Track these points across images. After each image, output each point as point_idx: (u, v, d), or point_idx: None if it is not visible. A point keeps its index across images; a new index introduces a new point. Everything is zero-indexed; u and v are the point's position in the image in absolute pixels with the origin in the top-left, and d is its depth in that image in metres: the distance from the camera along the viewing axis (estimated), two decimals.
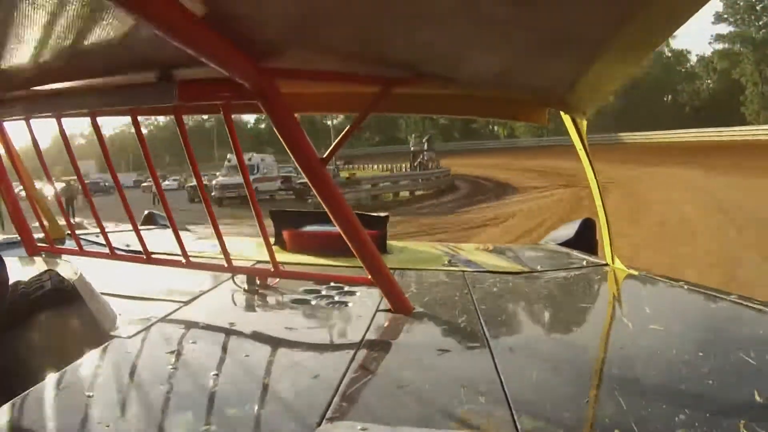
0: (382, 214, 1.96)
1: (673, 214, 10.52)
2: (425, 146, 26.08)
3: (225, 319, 0.95)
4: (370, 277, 1.03)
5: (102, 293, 0.96)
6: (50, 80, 1.11)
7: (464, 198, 19.05)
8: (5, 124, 1.28)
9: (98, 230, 1.40)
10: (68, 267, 0.95)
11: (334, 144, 1.15)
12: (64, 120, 1.19)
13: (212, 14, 0.78)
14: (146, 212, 2.44)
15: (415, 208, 16.57)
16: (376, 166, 33.32)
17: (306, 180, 1.00)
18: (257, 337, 0.89)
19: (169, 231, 1.25)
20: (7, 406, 0.59)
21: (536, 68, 1.11)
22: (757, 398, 0.63)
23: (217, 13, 0.79)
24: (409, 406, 0.62)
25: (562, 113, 1.34)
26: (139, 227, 1.30)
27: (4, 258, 0.77)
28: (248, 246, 1.75)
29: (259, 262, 1.38)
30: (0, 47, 0.92)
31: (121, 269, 1.28)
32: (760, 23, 37.24)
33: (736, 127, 31.24)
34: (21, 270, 0.92)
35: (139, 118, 1.15)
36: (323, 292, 1.15)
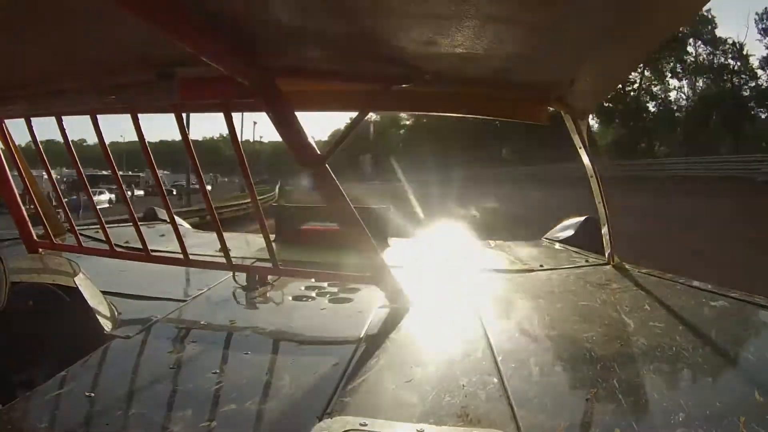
0: (384, 206, 1.96)
1: None
2: None
3: (226, 317, 0.95)
4: (370, 273, 1.04)
5: (102, 292, 0.96)
6: (51, 79, 1.11)
7: None
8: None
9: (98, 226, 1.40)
10: (68, 265, 0.95)
11: (334, 142, 1.15)
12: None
13: (213, 13, 0.78)
14: (147, 208, 2.44)
15: None
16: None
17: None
18: (258, 334, 0.89)
19: (169, 227, 1.25)
20: (10, 406, 0.60)
21: (536, 66, 1.10)
22: (757, 395, 0.64)
23: (218, 12, 0.79)
24: (409, 401, 0.63)
25: (562, 113, 1.34)
26: (140, 224, 1.30)
27: (2, 256, 0.77)
28: (249, 243, 1.75)
29: (259, 259, 1.39)
30: (2, 47, 0.92)
31: (122, 267, 1.28)
32: None
33: None
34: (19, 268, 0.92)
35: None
36: (324, 289, 1.15)
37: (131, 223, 1.25)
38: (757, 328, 0.97)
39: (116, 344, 0.80)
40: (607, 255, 1.48)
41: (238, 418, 0.58)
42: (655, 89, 29.58)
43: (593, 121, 32.62)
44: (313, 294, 1.12)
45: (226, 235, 1.20)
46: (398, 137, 59.19)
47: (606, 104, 30.73)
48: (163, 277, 1.22)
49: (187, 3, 0.73)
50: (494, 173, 29.69)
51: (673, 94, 28.62)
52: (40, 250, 1.33)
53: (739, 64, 24.23)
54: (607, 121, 31.93)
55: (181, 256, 1.18)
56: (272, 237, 1.51)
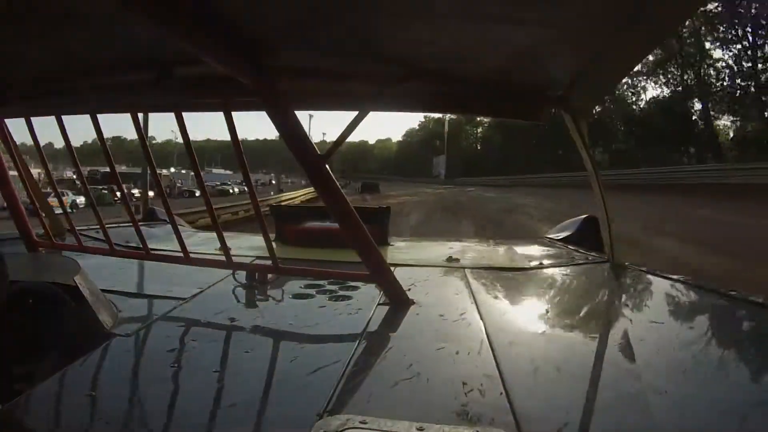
0: (384, 207, 1.97)
1: None
2: None
3: (226, 315, 0.95)
4: (369, 271, 1.04)
5: (102, 290, 0.96)
6: (51, 79, 1.11)
7: None
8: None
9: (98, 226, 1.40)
10: (68, 264, 0.95)
11: (334, 142, 1.15)
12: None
13: (213, 13, 0.78)
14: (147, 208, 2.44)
15: None
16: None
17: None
18: (258, 332, 0.89)
19: (169, 227, 1.25)
20: (9, 405, 0.60)
21: (536, 66, 1.11)
22: (757, 396, 0.64)
23: (218, 12, 0.79)
24: (409, 399, 0.63)
25: (563, 112, 1.34)
26: (140, 223, 1.31)
27: (2, 255, 0.77)
28: (248, 242, 1.76)
29: (259, 258, 1.39)
30: (2, 46, 0.92)
31: (122, 265, 1.28)
32: None
33: None
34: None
35: None
36: (324, 287, 1.16)
37: (131, 223, 1.26)
38: (758, 327, 0.98)
39: (116, 342, 0.80)
40: (607, 253, 1.48)
41: (238, 416, 0.59)
42: None
43: (714, 114, 26.32)
44: (313, 292, 1.12)
45: (226, 234, 1.20)
46: (475, 136, 55.76)
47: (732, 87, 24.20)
48: (164, 276, 1.22)
49: (187, 3, 0.73)
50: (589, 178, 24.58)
51: None
52: (40, 249, 1.33)
53: None
54: (734, 111, 25.21)
55: (181, 254, 1.18)
56: (272, 236, 1.52)
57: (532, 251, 1.77)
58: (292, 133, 0.99)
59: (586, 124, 1.39)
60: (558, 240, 1.99)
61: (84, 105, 1.15)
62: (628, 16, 0.83)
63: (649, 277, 1.31)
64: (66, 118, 1.18)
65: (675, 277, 1.26)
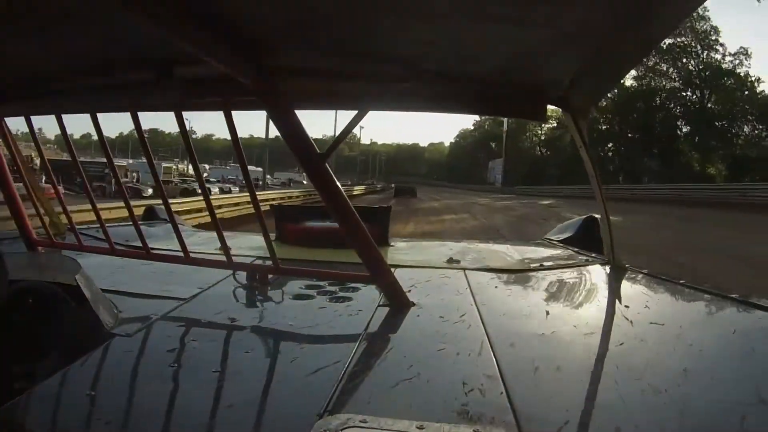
0: (384, 206, 1.97)
1: None
2: None
3: (226, 315, 0.95)
4: (370, 272, 1.04)
5: (102, 290, 0.96)
6: (52, 78, 1.11)
7: None
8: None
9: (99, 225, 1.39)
10: (68, 263, 0.95)
11: (333, 141, 1.16)
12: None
13: (213, 13, 0.78)
14: (146, 206, 2.44)
15: None
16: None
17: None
18: (258, 332, 0.89)
19: (169, 226, 1.25)
20: (9, 405, 0.60)
21: (536, 65, 1.11)
22: (757, 397, 0.64)
23: (218, 12, 0.79)
24: (409, 399, 0.63)
25: (563, 112, 1.34)
26: (140, 223, 1.31)
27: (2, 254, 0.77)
28: (249, 242, 1.76)
29: (259, 258, 1.39)
30: (2, 46, 0.92)
31: (122, 265, 1.28)
32: None
33: None
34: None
35: None
36: (325, 288, 1.16)
37: (131, 223, 1.26)
38: (757, 329, 0.98)
39: (116, 342, 0.80)
40: (606, 254, 1.48)
41: (238, 416, 0.59)
42: None
43: None
44: (314, 293, 1.12)
45: (226, 233, 1.20)
46: (538, 137, 48.00)
47: None
48: (164, 276, 1.22)
49: (187, 3, 0.73)
50: (695, 194, 17.45)
51: None
52: (40, 248, 1.33)
53: None
54: None
55: (181, 254, 1.18)
56: (272, 236, 1.52)
57: (532, 253, 1.77)
58: (292, 132, 0.99)
59: (586, 123, 1.39)
60: (558, 241, 1.99)
61: (84, 104, 1.15)
62: (628, 16, 0.83)
63: (649, 279, 1.31)
64: None
65: (675, 279, 1.26)
